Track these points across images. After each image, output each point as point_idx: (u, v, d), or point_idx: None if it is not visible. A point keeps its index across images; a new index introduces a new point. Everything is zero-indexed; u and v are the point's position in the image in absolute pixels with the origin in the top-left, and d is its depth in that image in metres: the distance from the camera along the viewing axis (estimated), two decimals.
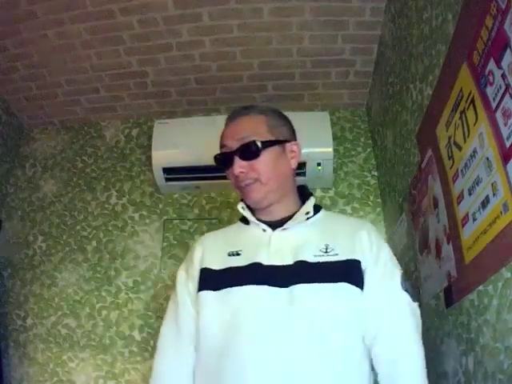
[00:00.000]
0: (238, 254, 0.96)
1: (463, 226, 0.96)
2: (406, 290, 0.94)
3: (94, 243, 1.92)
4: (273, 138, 1.00)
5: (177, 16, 1.71)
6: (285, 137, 1.04)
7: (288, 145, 1.04)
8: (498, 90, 0.79)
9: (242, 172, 0.97)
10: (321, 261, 0.91)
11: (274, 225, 0.98)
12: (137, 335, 1.74)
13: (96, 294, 1.83)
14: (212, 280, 0.94)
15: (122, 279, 1.84)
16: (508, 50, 0.75)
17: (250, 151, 0.97)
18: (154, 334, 1.71)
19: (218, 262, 0.96)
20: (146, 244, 1.90)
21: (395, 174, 1.62)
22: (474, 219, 0.90)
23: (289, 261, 0.92)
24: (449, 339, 1.07)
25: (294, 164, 1.04)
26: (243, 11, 1.70)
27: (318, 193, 1.91)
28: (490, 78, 0.81)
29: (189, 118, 1.98)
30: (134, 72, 1.93)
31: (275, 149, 1.00)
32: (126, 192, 2.01)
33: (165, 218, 1.93)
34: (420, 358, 0.88)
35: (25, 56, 1.87)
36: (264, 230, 0.98)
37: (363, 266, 0.93)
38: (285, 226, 0.97)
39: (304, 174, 1.79)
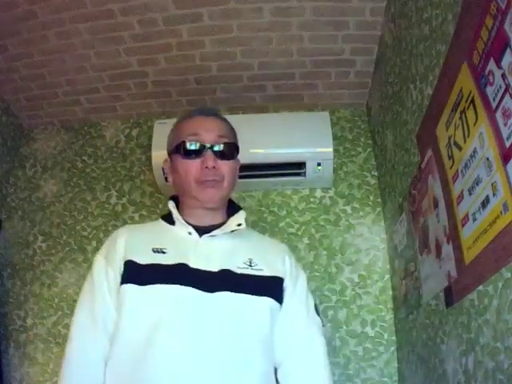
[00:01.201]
0: (162, 252, 0.95)
1: (463, 226, 0.96)
2: (318, 315, 1.04)
3: (94, 243, 1.92)
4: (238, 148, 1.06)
5: (177, 16, 1.71)
6: (238, 151, 1.07)
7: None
8: (498, 90, 0.79)
9: (214, 167, 0.97)
10: (245, 273, 0.94)
11: (201, 230, 0.98)
12: None
13: None
14: (137, 274, 0.92)
15: None
16: (508, 50, 0.75)
17: (227, 152, 1.00)
18: None
19: (143, 257, 0.94)
20: None
21: (395, 173, 1.62)
22: (474, 219, 0.90)
23: (214, 268, 0.93)
24: (449, 339, 1.07)
25: (236, 179, 1.08)
26: (243, 11, 1.69)
27: (318, 193, 1.91)
28: (490, 78, 0.81)
29: None
30: (134, 72, 1.93)
31: (237, 159, 1.06)
32: (126, 192, 2.01)
33: None
34: (328, 378, 0.97)
35: (25, 56, 1.87)
36: (189, 233, 0.98)
37: (284, 284, 0.99)
38: (213, 233, 0.97)
39: (304, 174, 1.79)
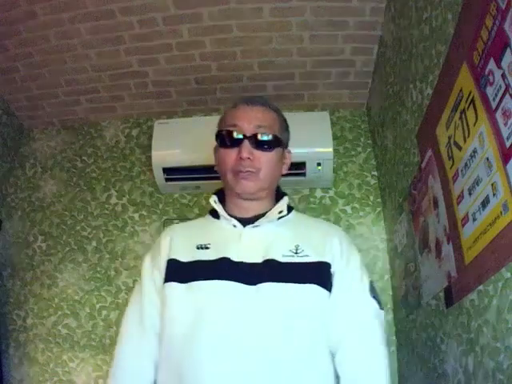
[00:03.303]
0: (206, 248, 0.95)
1: (463, 225, 0.96)
2: (374, 297, 0.96)
3: (94, 243, 1.92)
4: (282, 139, 1.02)
5: (177, 16, 1.71)
6: (286, 142, 1.06)
7: (285, 150, 1.07)
8: (498, 90, 0.79)
9: (249, 158, 0.96)
10: (290, 261, 0.92)
11: (246, 221, 0.97)
12: None
13: (96, 294, 1.83)
14: (179, 272, 0.93)
15: (121, 279, 1.84)
16: (508, 50, 0.75)
17: (264, 142, 0.98)
18: None
19: (186, 254, 0.95)
20: (145, 244, 1.89)
21: (395, 173, 1.62)
22: (474, 219, 0.90)
23: (258, 259, 0.91)
24: (449, 339, 1.07)
25: (284, 170, 1.07)
26: (243, 11, 1.70)
27: (318, 193, 1.91)
28: (490, 77, 0.81)
29: (189, 118, 1.98)
30: (134, 72, 1.93)
31: (279, 150, 1.02)
32: (126, 192, 2.01)
33: (165, 218, 1.93)
34: (382, 368, 0.89)
35: (25, 56, 1.87)
36: (234, 226, 0.97)
37: (332, 269, 0.94)
38: (256, 223, 0.96)
39: (304, 174, 1.79)
